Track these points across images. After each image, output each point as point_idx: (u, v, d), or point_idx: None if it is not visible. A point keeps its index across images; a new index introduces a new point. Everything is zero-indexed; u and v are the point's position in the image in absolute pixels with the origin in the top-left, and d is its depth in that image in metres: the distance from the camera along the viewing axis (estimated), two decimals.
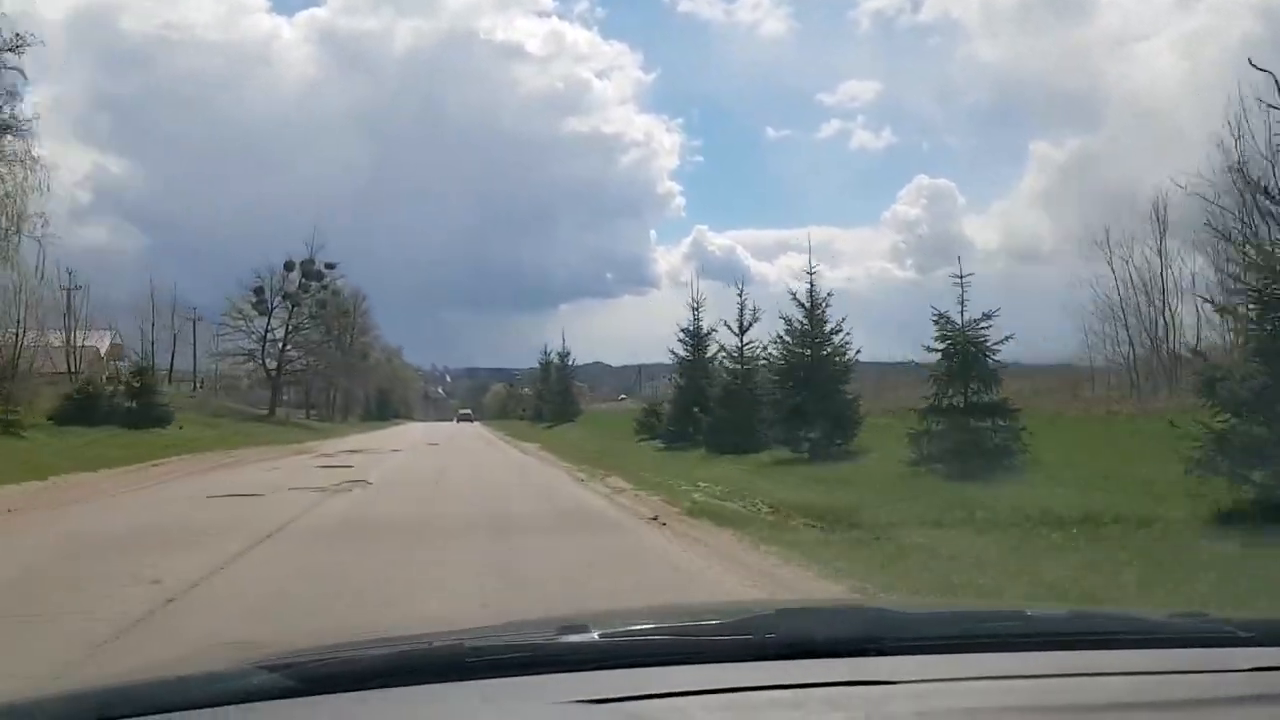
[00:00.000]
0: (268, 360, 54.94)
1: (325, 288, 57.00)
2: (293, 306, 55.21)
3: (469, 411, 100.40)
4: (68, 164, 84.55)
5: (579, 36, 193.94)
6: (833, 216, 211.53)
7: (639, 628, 1.54)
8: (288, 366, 56.07)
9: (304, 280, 55.37)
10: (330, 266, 56.92)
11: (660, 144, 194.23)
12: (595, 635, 1.41)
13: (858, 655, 1.33)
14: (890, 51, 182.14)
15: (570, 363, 56.27)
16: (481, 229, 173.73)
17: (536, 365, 69.09)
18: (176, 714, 1.15)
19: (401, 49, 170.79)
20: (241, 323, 54.18)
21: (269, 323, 54.92)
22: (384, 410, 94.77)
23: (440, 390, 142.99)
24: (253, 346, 54.88)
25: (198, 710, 1.15)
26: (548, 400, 58.93)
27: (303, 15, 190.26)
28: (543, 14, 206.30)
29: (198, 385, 66.26)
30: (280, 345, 55.08)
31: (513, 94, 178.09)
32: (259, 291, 54.25)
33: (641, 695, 1.19)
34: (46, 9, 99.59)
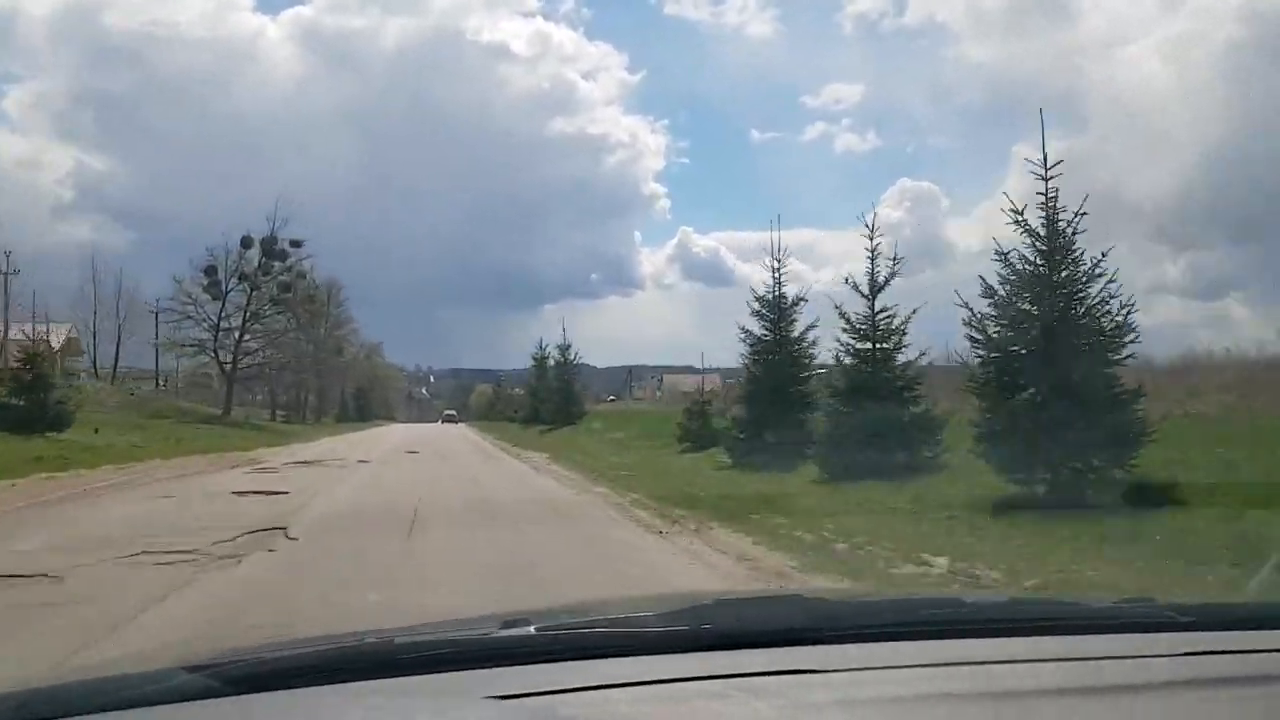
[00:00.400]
0: (221, 352, 47.26)
1: (290, 269, 49.26)
2: (251, 289, 47.58)
3: (454, 413, 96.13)
4: (49, 160, 79.12)
5: (565, 37, 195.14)
6: (816, 219, 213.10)
7: (574, 620, 1.54)
8: (245, 360, 48.35)
9: (264, 260, 47.73)
10: (296, 244, 48.99)
11: (646, 145, 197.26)
12: (531, 629, 1.40)
13: (792, 644, 1.33)
14: (875, 54, 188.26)
15: (573, 358, 48.85)
16: (466, 229, 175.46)
17: (527, 364, 62.78)
18: (97, 715, 1.12)
19: (388, 48, 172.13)
20: (191, 308, 46.55)
21: (223, 309, 47.26)
22: (363, 411, 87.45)
23: (424, 391, 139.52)
24: (204, 336, 47.20)
25: (119, 711, 1.13)
26: (544, 400, 51.56)
27: (288, 14, 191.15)
28: (528, 14, 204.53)
29: (160, 383, 59.57)
30: (237, 335, 47.42)
31: (499, 94, 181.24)
32: (211, 272, 46.65)
33: (569, 689, 1.18)
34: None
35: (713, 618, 1.42)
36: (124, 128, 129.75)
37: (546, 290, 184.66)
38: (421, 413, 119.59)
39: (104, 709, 1.14)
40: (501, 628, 1.41)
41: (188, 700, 1.16)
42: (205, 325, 46.72)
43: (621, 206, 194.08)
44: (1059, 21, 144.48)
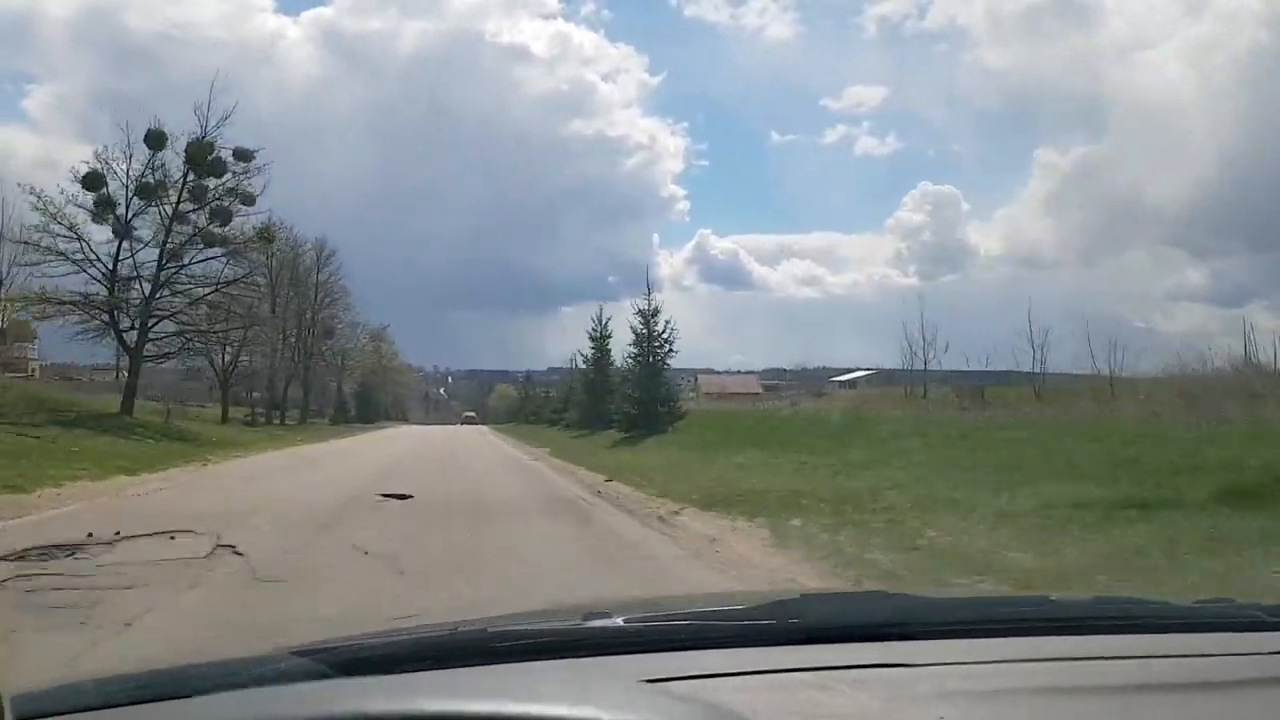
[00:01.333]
0: (118, 315, 30.15)
1: (234, 192, 32.15)
2: (170, 219, 30.02)
3: (473, 414, 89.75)
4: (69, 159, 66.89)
5: (585, 39, 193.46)
6: (836, 222, 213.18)
7: (662, 613, 1.57)
8: (156, 330, 30.98)
9: (193, 173, 30.75)
10: (244, 156, 30.34)
11: (665, 147, 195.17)
12: (620, 621, 1.41)
13: (882, 640, 1.35)
14: (896, 57, 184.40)
15: (667, 332, 32.07)
16: (484, 230, 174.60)
17: (545, 366, 52.76)
18: (214, 695, 1.17)
19: (407, 50, 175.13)
20: (70, 242, 28.33)
21: (120, 248, 29.51)
22: (367, 411, 70.66)
23: (442, 392, 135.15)
24: (90, 288, 29.11)
25: (233, 691, 1.17)
26: (599, 397, 34.88)
27: (308, 15, 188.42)
28: (549, 16, 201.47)
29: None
30: (143, 287, 30.38)
31: (517, 96, 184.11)
32: (95, 183, 28.15)
33: (665, 678, 1.19)
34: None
35: (800, 611, 1.44)
36: (140, 129, 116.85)
37: (564, 292, 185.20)
38: (439, 414, 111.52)
39: (220, 689, 1.18)
40: (586, 619, 1.42)
41: (296, 682, 1.20)
42: (97, 269, 29.48)
43: (640, 209, 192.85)
44: (1079, 26, 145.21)
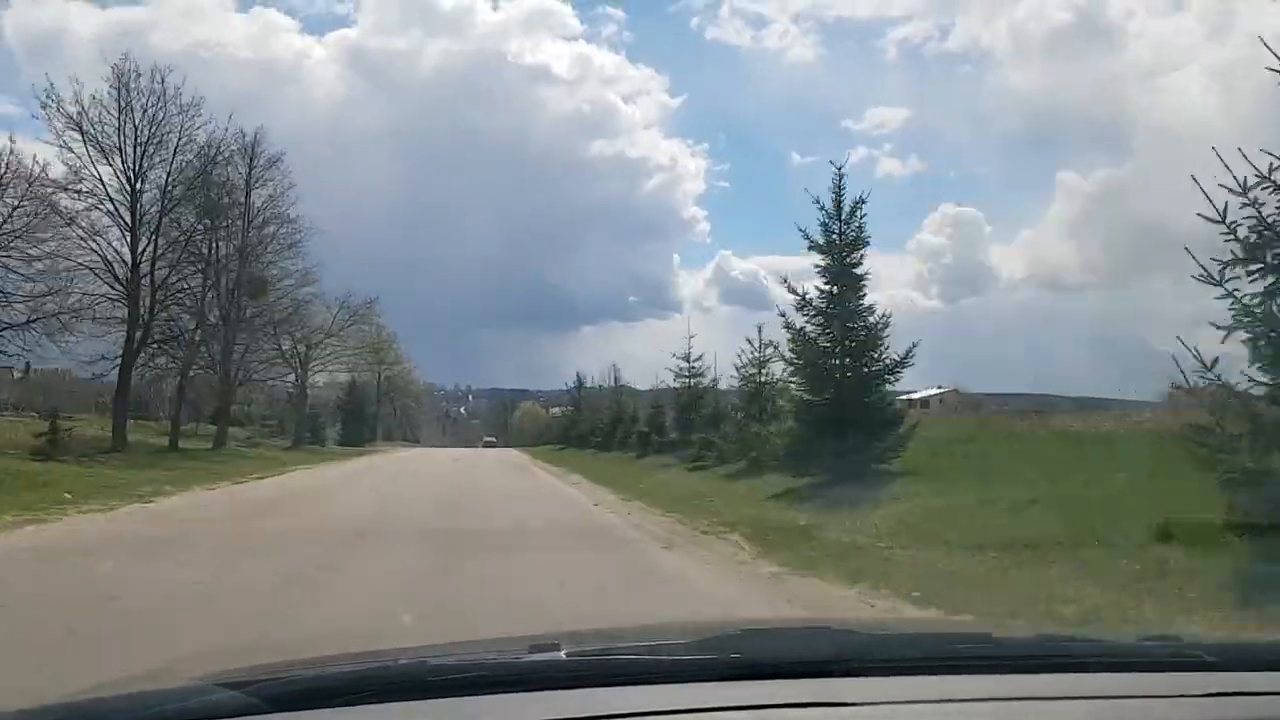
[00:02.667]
0: None
1: None
2: None
3: (494, 439, 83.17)
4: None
5: (607, 60, 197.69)
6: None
7: (604, 646, 1.57)
8: None
9: None
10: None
11: (686, 168, 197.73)
12: (563, 654, 1.41)
13: (823, 676, 1.34)
14: (918, 79, 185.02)
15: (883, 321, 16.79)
16: (505, 250, 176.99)
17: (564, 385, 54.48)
18: None
19: (430, 70, 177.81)
20: None
21: None
22: (355, 428, 55.40)
23: (462, 410, 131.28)
24: None
25: None
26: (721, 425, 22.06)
27: (333, 35, 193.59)
28: (571, 37, 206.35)
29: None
30: None
31: (541, 116, 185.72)
32: None
33: (603, 715, 1.19)
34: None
35: (741, 647, 1.44)
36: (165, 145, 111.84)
37: (584, 312, 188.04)
38: (457, 434, 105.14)
39: None
40: (531, 651, 1.42)
41: (223, 718, 1.17)
42: None
43: (661, 229, 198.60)
44: (1102, 48, 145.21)
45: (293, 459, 31.26)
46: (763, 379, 22.91)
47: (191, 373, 30.82)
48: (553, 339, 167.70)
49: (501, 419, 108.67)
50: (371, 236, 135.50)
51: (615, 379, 41.05)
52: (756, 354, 23.01)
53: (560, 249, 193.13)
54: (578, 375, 55.48)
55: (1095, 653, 1.58)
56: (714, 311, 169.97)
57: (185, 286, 28.80)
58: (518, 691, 1.28)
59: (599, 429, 42.04)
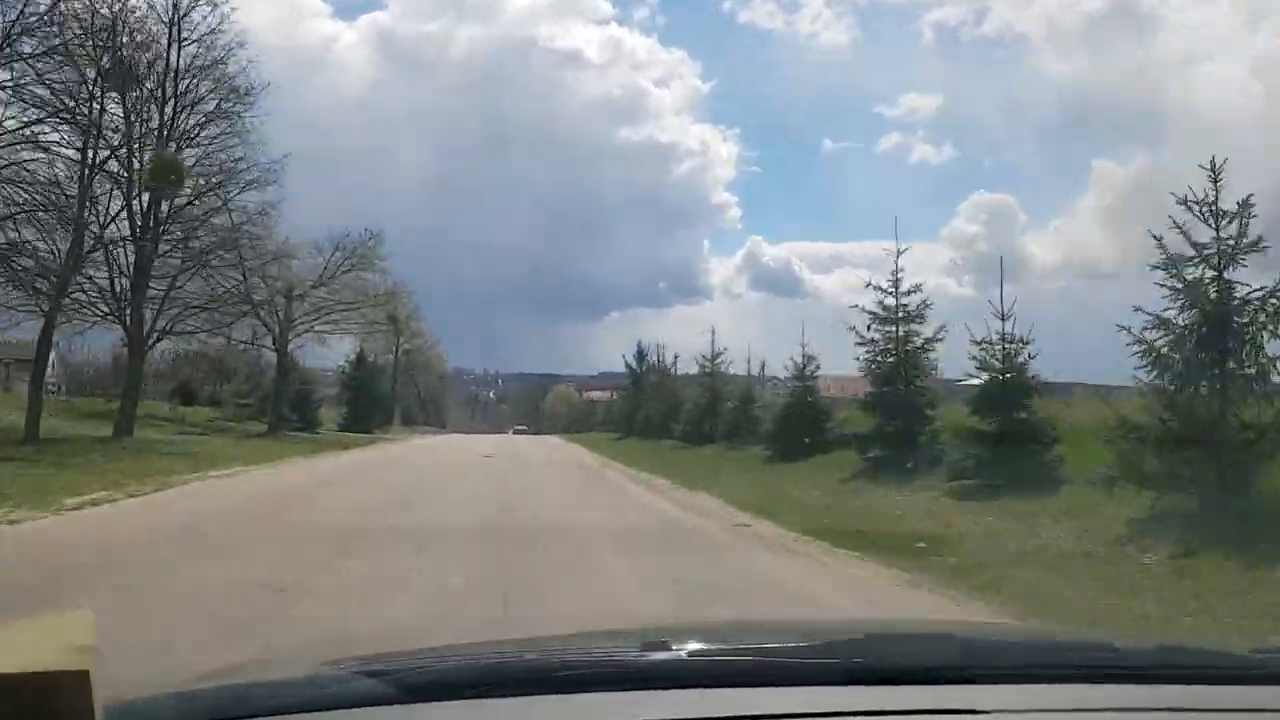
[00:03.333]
0: None
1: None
2: None
3: (524, 426, 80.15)
4: None
5: (638, 44, 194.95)
6: (890, 230, 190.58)
7: (724, 647, 1.59)
8: None
9: None
10: None
11: (717, 154, 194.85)
12: (683, 654, 1.43)
13: (944, 683, 1.34)
14: (953, 65, 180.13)
15: None
16: (534, 235, 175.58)
17: (595, 371, 56.46)
18: (286, 715, 1.19)
19: (461, 55, 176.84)
20: None
21: None
22: (364, 409, 44.95)
23: (491, 395, 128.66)
24: None
25: (305, 713, 1.20)
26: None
27: (364, 19, 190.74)
28: (602, 21, 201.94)
29: None
30: None
31: (571, 100, 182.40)
32: None
33: (728, 717, 1.21)
34: None
35: (864, 651, 1.43)
36: None
37: (614, 298, 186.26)
38: (487, 420, 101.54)
39: (288, 710, 1.20)
40: (644, 648, 1.44)
41: (366, 705, 1.22)
42: None
43: (691, 215, 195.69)
44: (1139, 35, 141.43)
45: (246, 453, 20.63)
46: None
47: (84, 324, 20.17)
48: (581, 325, 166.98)
49: (533, 404, 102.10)
50: (397, 219, 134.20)
51: (713, 356, 29.93)
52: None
53: (590, 234, 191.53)
54: (639, 348, 44.55)
55: (1218, 664, 1.57)
56: (744, 298, 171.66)
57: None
58: (639, 689, 1.30)
59: (677, 416, 31.19)
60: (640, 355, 44.00)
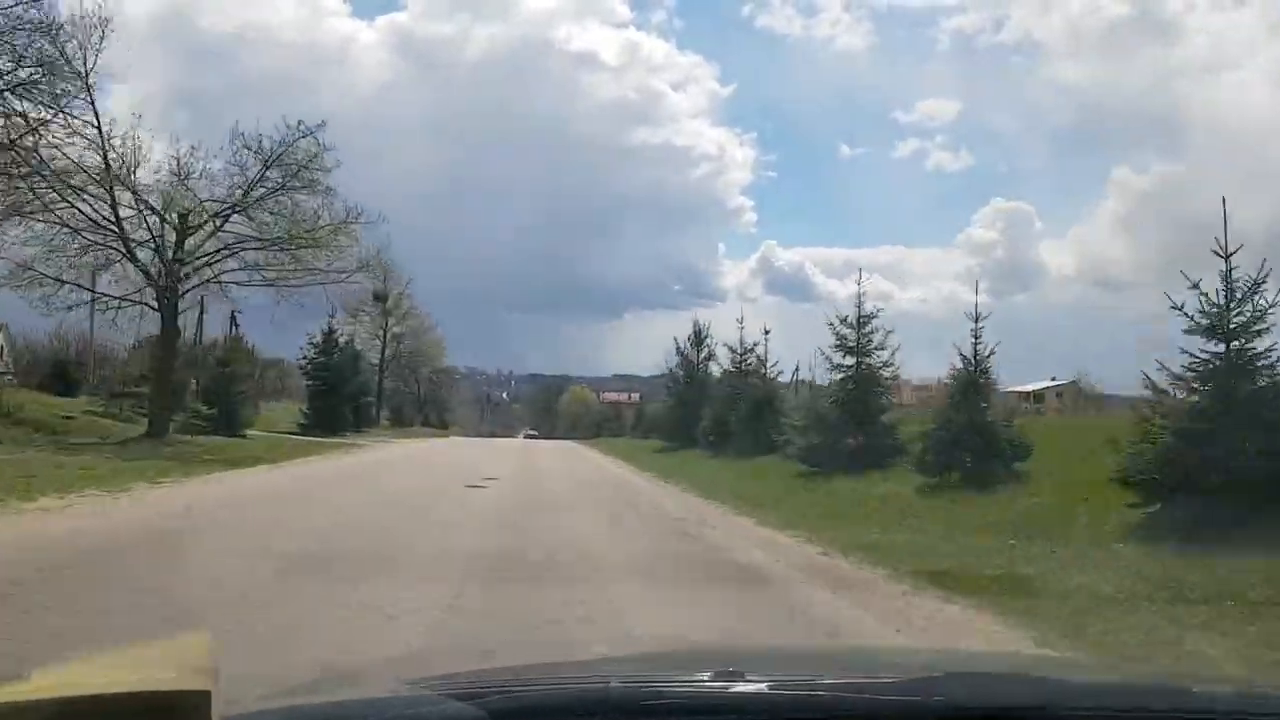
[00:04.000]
0: None
1: None
2: None
3: (535, 431, 72.62)
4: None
5: (655, 47, 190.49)
6: (905, 237, 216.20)
7: (804, 679, 1.57)
8: None
9: None
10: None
11: (733, 157, 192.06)
12: (765, 686, 1.43)
13: None
14: (970, 71, 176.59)
15: None
16: (548, 235, 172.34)
17: (611, 373, 51.50)
18: None
19: (476, 55, 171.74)
20: None
21: None
22: (331, 410, 33.89)
23: (504, 395, 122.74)
24: None
25: None
26: None
27: (382, 20, 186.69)
28: (620, 24, 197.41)
29: None
30: None
31: (587, 102, 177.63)
32: None
33: None
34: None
35: (945, 690, 1.43)
36: (216, 127, 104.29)
37: (628, 300, 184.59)
38: (500, 421, 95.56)
39: None
40: (716, 677, 1.43)
41: None
42: None
43: (706, 218, 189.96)
44: (1159, 43, 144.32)
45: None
46: None
47: None
48: (596, 326, 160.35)
49: (546, 405, 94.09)
50: (413, 219, 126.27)
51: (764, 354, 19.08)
52: None
53: (605, 236, 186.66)
54: (676, 345, 33.40)
55: None
56: (758, 302, 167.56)
57: None
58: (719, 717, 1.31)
59: (768, 425, 20.20)
60: (698, 338, 32.61)
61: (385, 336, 49.29)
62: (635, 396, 74.80)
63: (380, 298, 45.92)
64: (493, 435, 64.54)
